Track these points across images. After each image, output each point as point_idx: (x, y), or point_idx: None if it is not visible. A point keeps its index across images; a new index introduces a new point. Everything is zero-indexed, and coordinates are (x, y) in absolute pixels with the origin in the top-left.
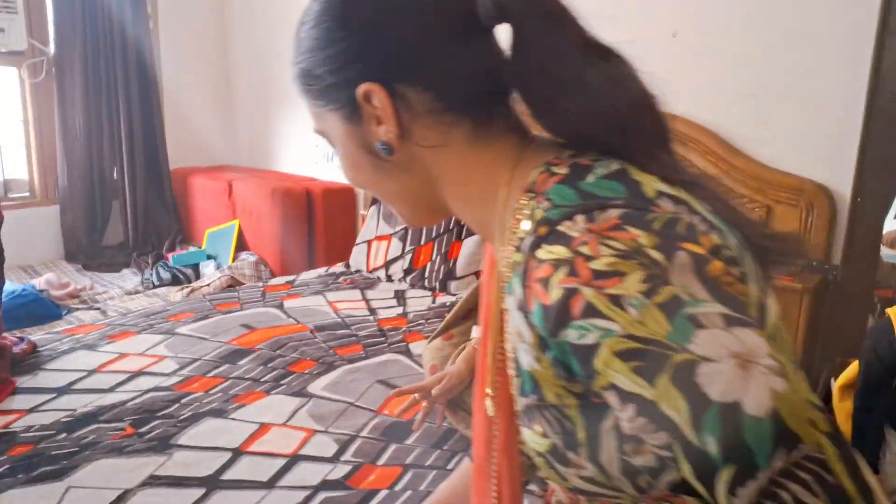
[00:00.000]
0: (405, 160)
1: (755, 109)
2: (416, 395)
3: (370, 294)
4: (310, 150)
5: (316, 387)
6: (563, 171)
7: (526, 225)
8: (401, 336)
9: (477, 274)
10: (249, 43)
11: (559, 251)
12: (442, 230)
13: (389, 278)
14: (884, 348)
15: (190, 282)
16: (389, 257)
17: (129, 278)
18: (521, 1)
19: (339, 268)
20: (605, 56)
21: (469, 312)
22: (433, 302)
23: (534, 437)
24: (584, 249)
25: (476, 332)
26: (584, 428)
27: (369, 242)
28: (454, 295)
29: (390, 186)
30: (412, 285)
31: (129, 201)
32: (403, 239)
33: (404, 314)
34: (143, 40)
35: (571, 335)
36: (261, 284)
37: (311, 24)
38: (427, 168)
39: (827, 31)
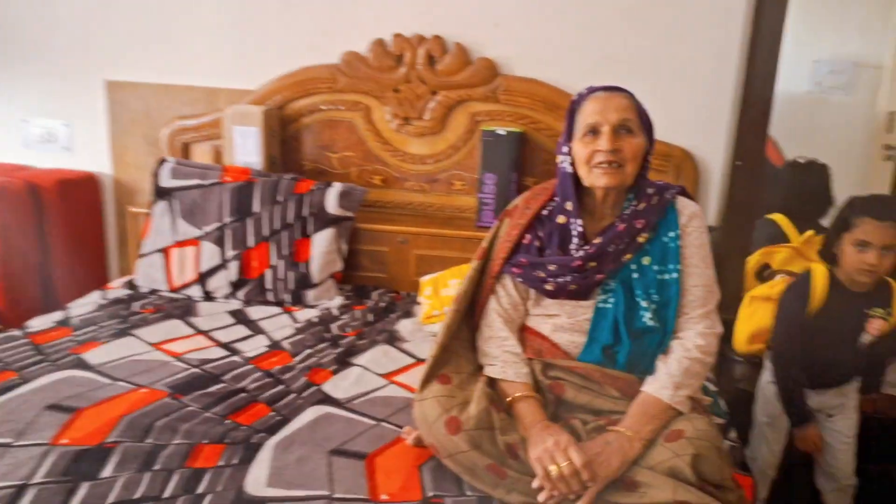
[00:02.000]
0: None
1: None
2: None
3: (200, 324)
4: (14, 127)
5: (255, 487)
6: None
7: None
8: (303, 378)
9: (335, 276)
10: None
11: None
12: (279, 226)
13: (210, 296)
14: None
15: None
16: (203, 268)
17: None
18: None
19: (120, 290)
20: None
21: (447, 346)
22: (294, 321)
23: None
24: None
25: (496, 371)
26: None
27: (165, 251)
28: (315, 306)
29: None
30: (248, 302)
31: None
32: (220, 241)
33: (275, 345)
34: None
35: None
36: (20, 332)
37: None
38: None
39: None
